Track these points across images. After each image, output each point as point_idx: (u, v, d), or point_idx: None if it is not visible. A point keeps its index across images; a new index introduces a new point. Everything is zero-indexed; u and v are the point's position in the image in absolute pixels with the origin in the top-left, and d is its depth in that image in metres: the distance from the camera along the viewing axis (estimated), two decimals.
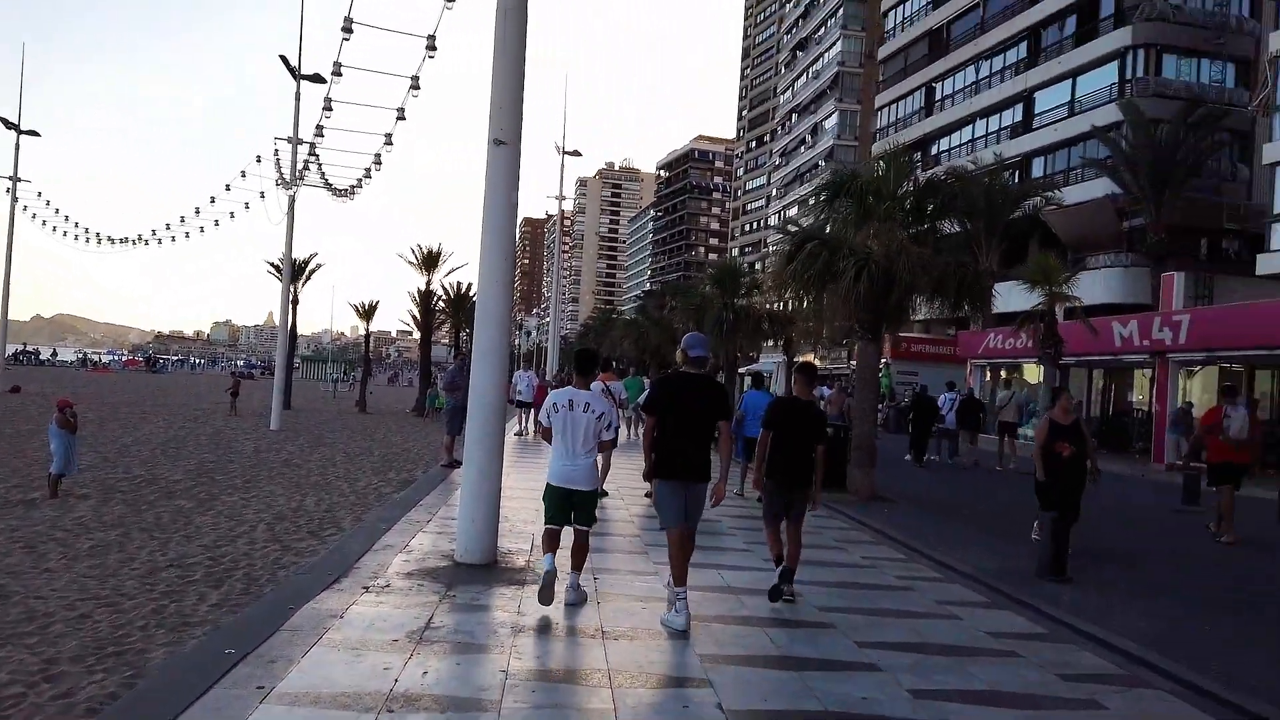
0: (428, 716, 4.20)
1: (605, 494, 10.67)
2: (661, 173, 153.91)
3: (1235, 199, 32.14)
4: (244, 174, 27.21)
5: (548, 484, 6.39)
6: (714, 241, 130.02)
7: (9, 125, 34.79)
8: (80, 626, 6.37)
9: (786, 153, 78.13)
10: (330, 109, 23.72)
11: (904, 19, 51.00)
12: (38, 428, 17.43)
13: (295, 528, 10.32)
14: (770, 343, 33.66)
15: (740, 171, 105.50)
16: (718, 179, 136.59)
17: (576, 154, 41.68)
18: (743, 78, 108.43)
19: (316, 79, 25.28)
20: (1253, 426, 12.35)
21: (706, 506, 6.26)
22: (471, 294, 33.30)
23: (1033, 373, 28.15)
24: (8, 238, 34.86)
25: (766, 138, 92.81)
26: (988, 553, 9.78)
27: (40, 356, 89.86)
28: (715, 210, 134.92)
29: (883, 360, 29.61)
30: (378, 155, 26.16)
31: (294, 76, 26.21)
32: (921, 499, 14.67)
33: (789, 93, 79.07)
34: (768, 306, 27.54)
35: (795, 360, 26.59)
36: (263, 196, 27.51)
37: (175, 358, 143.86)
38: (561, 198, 43.98)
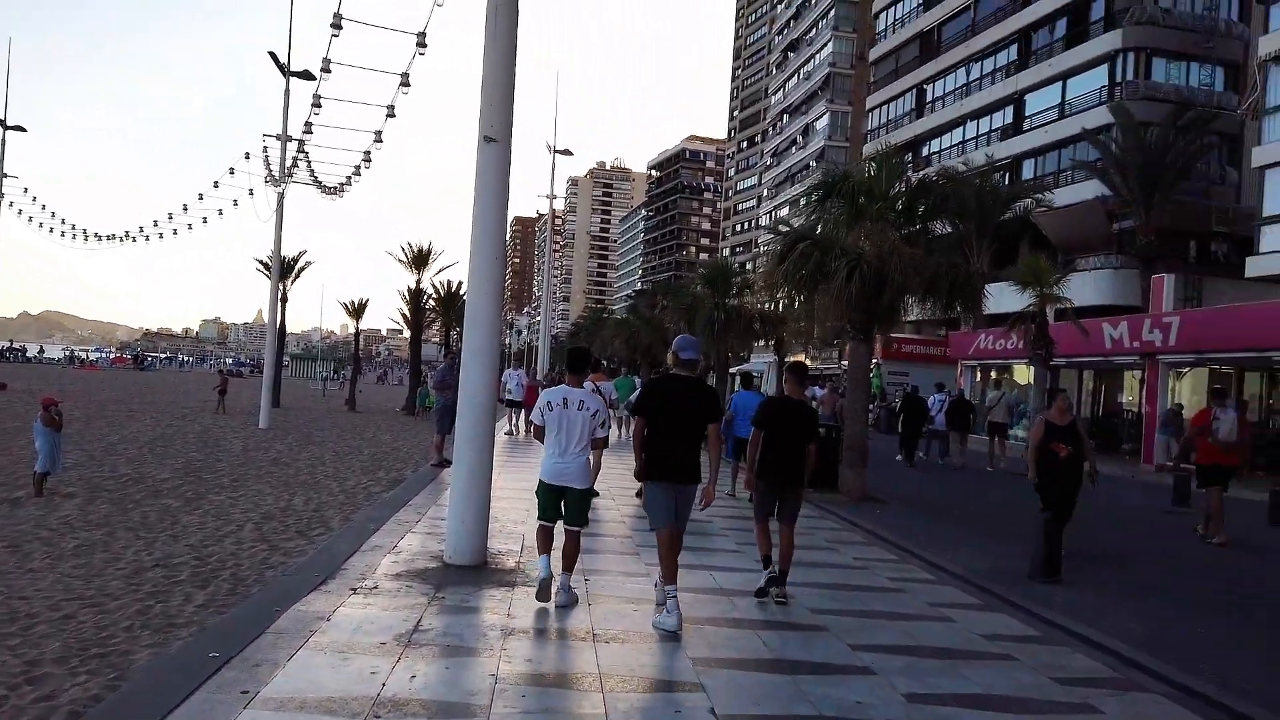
0: None
1: (596, 494, 10.60)
2: (653, 172, 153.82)
3: (1224, 202, 32.27)
4: (232, 171, 27.09)
5: (540, 481, 6.37)
6: (705, 241, 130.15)
7: None
8: (64, 627, 6.28)
9: (778, 153, 78.15)
10: (320, 106, 23.65)
11: (895, 21, 51.08)
12: (23, 425, 17.24)
13: (283, 527, 10.23)
14: (761, 343, 33.67)
15: (731, 171, 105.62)
16: (709, 179, 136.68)
17: (568, 153, 41.64)
18: (734, 78, 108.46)
19: (306, 76, 25.12)
20: (1242, 429, 12.40)
21: (696, 507, 6.24)
22: (462, 292, 33.18)
23: (1023, 374, 28.24)
24: None
25: (758, 138, 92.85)
26: (979, 553, 9.79)
27: (27, 354, 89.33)
28: (706, 210, 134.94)
29: (873, 361, 29.64)
30: (367, 153, 26.13)
31: (283, 73, 26.01)
32: (913, 499, 14.69)
33: (780, 93, 79.10)
34: (759, 306, 27.55)
35: (786, 360, 26.59)
36: (251, 193, 27.38)
37: (163, 355, 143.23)
38: (552, 196, 43.97)
